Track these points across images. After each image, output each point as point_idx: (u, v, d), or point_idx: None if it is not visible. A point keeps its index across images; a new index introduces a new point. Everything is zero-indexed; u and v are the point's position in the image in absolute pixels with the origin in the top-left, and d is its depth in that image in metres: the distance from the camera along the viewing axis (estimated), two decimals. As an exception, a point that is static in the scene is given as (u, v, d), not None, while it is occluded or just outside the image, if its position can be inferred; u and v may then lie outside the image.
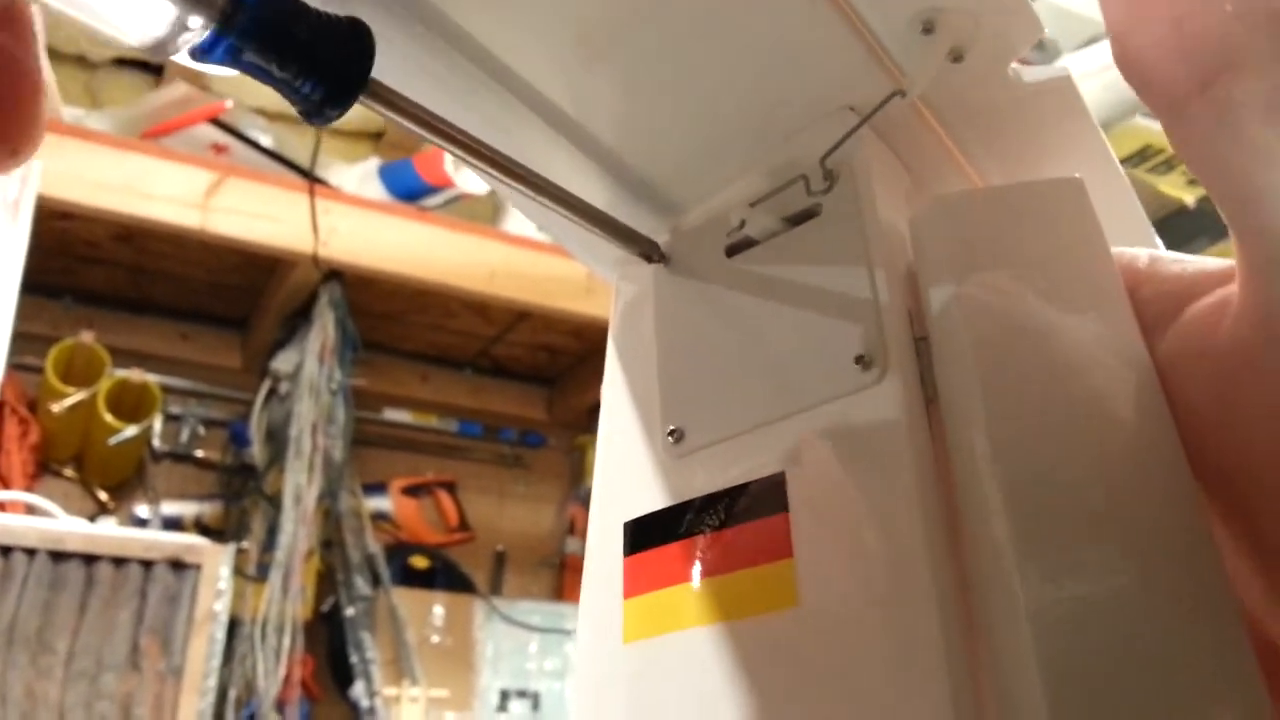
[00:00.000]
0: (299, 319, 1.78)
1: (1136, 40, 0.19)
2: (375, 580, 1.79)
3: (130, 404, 1.75)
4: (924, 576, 0.21)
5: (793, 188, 0.26)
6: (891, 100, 0.25)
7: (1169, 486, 0.20)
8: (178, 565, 1.32)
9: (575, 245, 0.31)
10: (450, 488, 2.11)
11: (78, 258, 1.75)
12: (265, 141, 1.79)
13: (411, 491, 2.04)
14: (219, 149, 1.74)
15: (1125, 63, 0.19)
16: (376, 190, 1.84)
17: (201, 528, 1.81)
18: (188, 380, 1.92)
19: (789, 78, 0.26)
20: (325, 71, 0.20)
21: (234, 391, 1.93)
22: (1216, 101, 0.18)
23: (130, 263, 1.78)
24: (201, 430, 1.91)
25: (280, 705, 1.53)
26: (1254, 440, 0.20)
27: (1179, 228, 1.55)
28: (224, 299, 1.92)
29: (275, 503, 1.67)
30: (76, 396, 1.67)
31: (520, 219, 1.70)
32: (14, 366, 1.60)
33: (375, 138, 2.02)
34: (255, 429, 1.75)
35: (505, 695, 1.88)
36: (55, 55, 1.80)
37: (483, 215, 1.85)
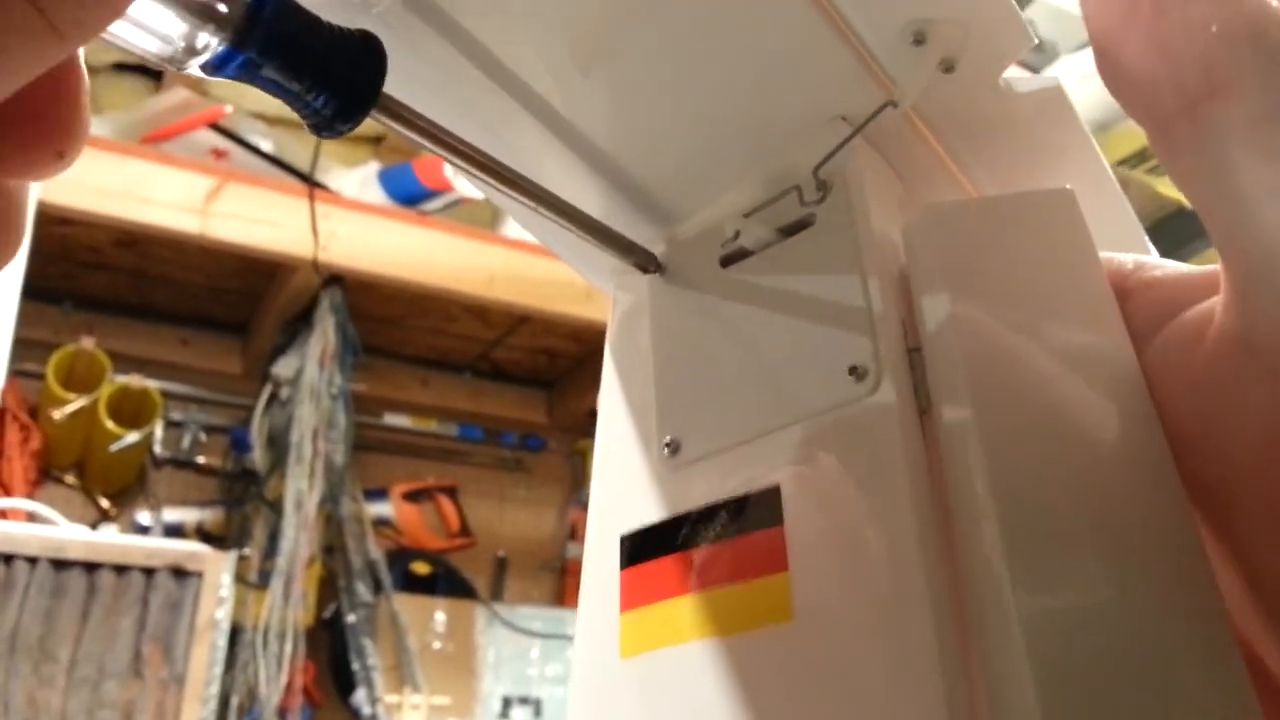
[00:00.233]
0: (299, 324, 1.78)
1: (1121, 60, 0.19)
2: (377, 586, 1.79)
3: (131, 410, 1.75)
4: (918, 588, 0.21)
5: (786, 198, 0.26)
6: (883, 111, 0.25)
7: (1160, 497, 0.20)
8: (179, 573, 1.32)
9: (572, 256, 0.31)
10: (451, 493, 2.11)
11: (78, 263, 1.75)
12: (265, 146, 1.79)
13: (413, 497, 2.04)
14: (219, 154, 1.74)
15: (1110, 81, 0.19)
16: (376, 194, 1.84)
17: (203, 534, 1.81)
18: (188, 386, 1.92)
19: (781, 88, 0.26)
20: (338, 86, 0.20)
21: (235, 397, 1.93)
22: (1201, 124, 0.18)
23: (131, 268, 1.78)
24: (202, 436, 1.91)
25: (282, 712, 1.53)
26: (1233, 453, 0.20)
27: (1177, 229, 1.55)
28: (224, 304, 1.92)
29: (277, 508, 1.67)
30: (78, 403, 1.67)
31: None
32: (15, 373, 1.60)
33: (375, 142, 2.02)
34: (256, 434, 1.75)
35: (507, 702, 1.88)
36: (55, 62, 1.79)
37: (482, 219, 1.85)
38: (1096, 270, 0.23)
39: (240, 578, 1.53)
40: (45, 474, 1.76)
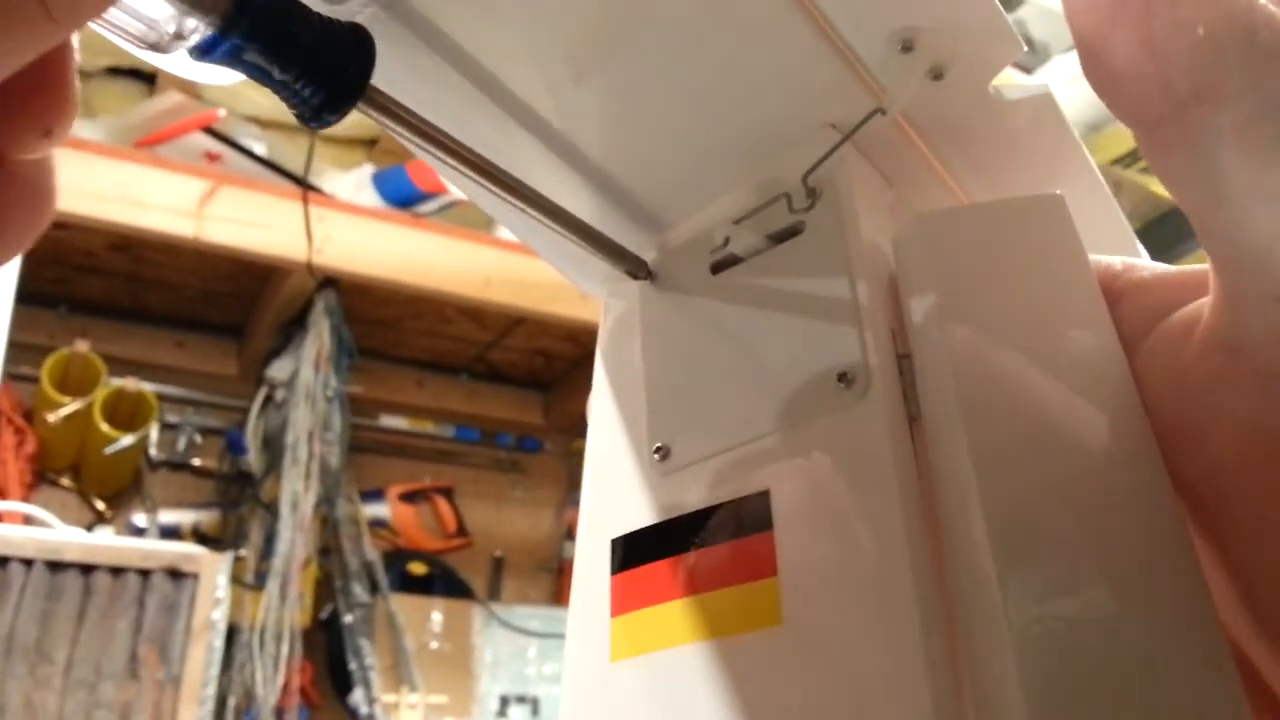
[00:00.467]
0: (294, 326, 1.78)
1: (1107, 60, 0.19)
2: (373, 587, 1.79)
3: (126, 413, 1.75)
4: (907, 595, 0.21)
5: (776, 205, 0.27)
6: (872, 118, 0.25)
7: (1151, 503, 0.20)
8: (175, 574, 1.32)
9: (563, 262, 0.32)
10: (448, 494, 2.11)
11: (73, 267, 1.75)
12: (259, 149, 1.79)
13: (409, 498, 2.04)
14: (212, 157, 1.74)
15: (1096, 82, 0.19)
16: (370, 197, 1.84)
17: (199, 536, 1.80)
18: (184, 389, 1.92)
19: (770, 96, 0.26)
20: (326, 75, 0.20)
21: (230, 399, 1.93)
22: (1189, 127, 0.18)
23: (125, 272, 1.78)
24: (198, 438, 1.91)
25: (279, 713, 1.53)
26: (1221, 455, 0.20)
27: (1170, 229, 1.56)
28: (219, 307, 1.92)
29: (272, 510, 1.66)
30: (72, 406, 1.67)
31: (515, 224, 1.69)
32: (10, 376, 1.60)
33: (369, 144, 2.02)
34: (252, 437, 1.75)
35: (505, 701, 1.88)
36: (48, 65, 1.79)
37: (477, 221, 1.85)
38: (1087, 275, 0.23)
39: (236, 579, 1.53)
40: (41, 477, 1.76)
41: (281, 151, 1.82)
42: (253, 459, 1.75)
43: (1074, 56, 1.64)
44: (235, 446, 1.86)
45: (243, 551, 1.70)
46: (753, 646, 0.22)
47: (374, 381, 2.03)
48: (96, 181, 1.53)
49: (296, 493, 1.64)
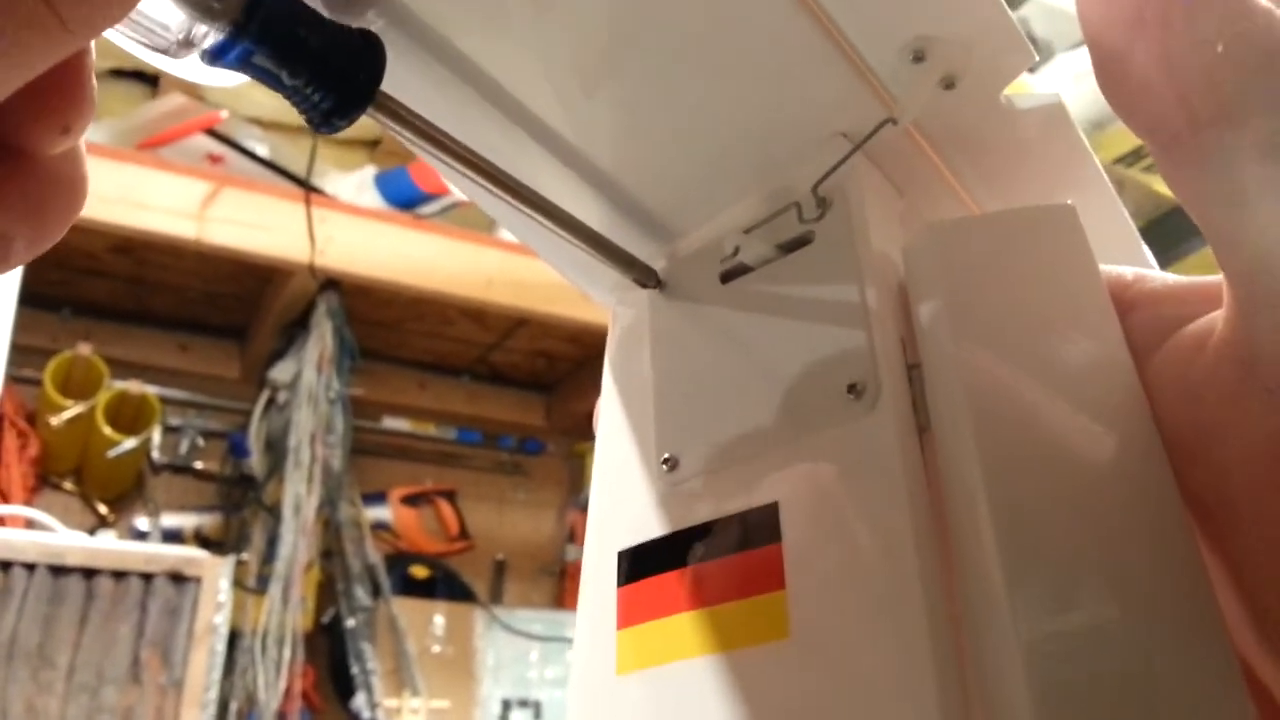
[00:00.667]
0: (297, 328, 1.78)
1: (1123, 74, 0.19)
2: (375, 590, 1.79)
3: (129, 416, 1.75)
4: (916, 607, 0.21)
5: (786, 215, 0.26)
6: (883, 127, 0.25)
7: (1161, 516, 0.20)
8: (178, 578, 1.32)
9: (572, 270, 0.31)
10: (450, 496, 2.11)
11: (75, 270, 1.75)
12: (261, 151, 1.79)
13: (411, 501, 2.04)
14: (215, 159, 1.74)
15: (1112, 96, 0.19)
16: (373, 198, 1.84)
17: (201, 539, 1.80)
18: (186, 391, 1.92)
19: (782, 105, 0.26)
20: (336, 80, 0.20)
21: (232, 402, 1.93)
22: (1206, 146, 0.18)
23: (128, 274, 1.78)
24: (200, 441, 1.91)
25: (281, 717, 1.53)
26: (1231, 470, 0.20)
27: (1173, 227, 1.55)
28: (222, 309, 1.92)
29: (275, 513, 1.66)
30: (75, 409, 1.67)
31: (517, 227, 1.70)
32: (12, 379, 1.60)
33: (371, 146, 2.02)
34: (254, 439, 1.75)
35: (507, 705, 1.88)
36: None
37: (479, 222, 1.85)
38: (1098, 286, 0.23)
39: (239, 583, 1.53)
40: (43, 480, 1.76)
41: (284, 153, 1.82)
42: (255, 462, 1.75)
43: (1077, 55, 1.64)
44: (238, 449, 1.86)
45: (245, 555, 1.70)
46: (760, 660, 0.22)
47: (376, 383, 2.03)
48: (99, 184, 1.52)
49: (299, 496, 1.64)
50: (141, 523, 1.82)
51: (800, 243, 0.26)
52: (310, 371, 1.71)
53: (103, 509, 1.81)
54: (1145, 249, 0.29)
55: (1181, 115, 0.18)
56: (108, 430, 1.69)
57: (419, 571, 1.97)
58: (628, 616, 0.25)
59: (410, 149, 0.24)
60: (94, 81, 0.18)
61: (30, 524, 1.40)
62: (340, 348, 1.75)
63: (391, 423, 2.10)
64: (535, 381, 2.27)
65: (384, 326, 1.96)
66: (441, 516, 2.08)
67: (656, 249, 0.30)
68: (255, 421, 1.75)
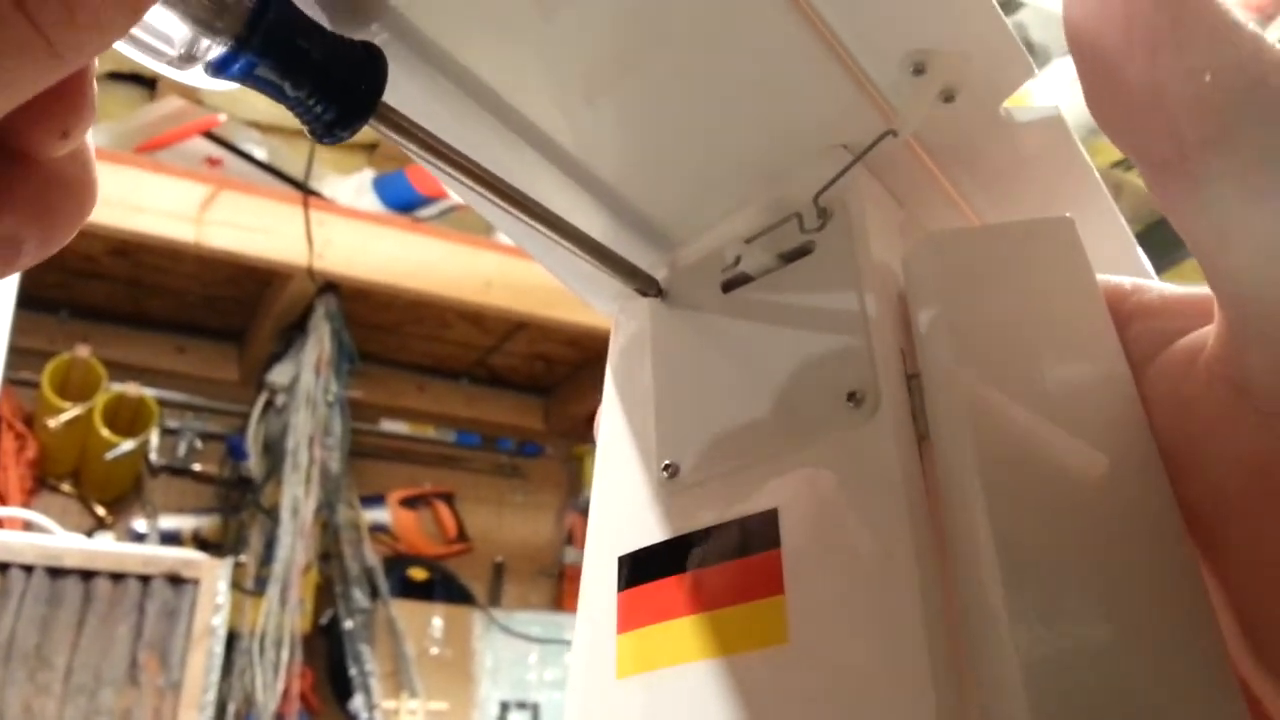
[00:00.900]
0: (295, 331, 1.78)
1: (1113, 102, 0.19)
2: (374, 592, 1.79)
3: (127, 418, 1.75)
4: (914, 615, 0.21)
5: (787, 225, 0.27)
6: (884, 139, 0.25)
7: (1159, 529, 0.20)
8: (176, 580, 1.32)
9: (574, 279, 0.32)
10: (448, 499, 2.11)
11: (73, 272, 1.75)
12: (259, 154, 1.79)
13: (409, 503, 2.04)
14: (213, 162, 1.74)
15: (1102, 120, 0.19)
16: (371, 202, 1.84)
17: (199, 541, 1.81)
18: (184, 394, 1.92)
19: (783, 116, 0.26)
20: (338, 92, 0.20)
21: (231, 405, 1.93)
22: (1194, 172, 0.18)
23: (126, 277, 1.78)
24: (198, 444, 1.91)
25: (279, 719, 1.53)
26: (1221, 487, 0.20)
27: (1170, 233, 1.55)
28: (220, 312, 1.92)
29: (273, 515, 1.66)
30: (73, 411, 1.67)
31: (515, 230, 1.70)
32: (11, 382, 1.60)
33: (369, 149, 2.02)
34: (252, 442, 1.75)
35: (505, 707, 1.88)
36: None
37: (477, 225, 1.85)
38: (1096, 299, 0.23)
39: (237, 585, 1.53)
40: (41, 482, 1.76)
41: (282, 156, 1.82)
42: (253, 464, 1.75)
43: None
44: (236, 452, 1.86)
45: (243, 557, 1.70)
46: (759, 665, 0.22)
47: (374, 386, 2.03)
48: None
49: (297, 498, 1.64)
50: (139, 525, 1.82)
51: (801, 252, 0.26)
52: (308, 374, 1.71)
53: (100, 511, 1.81)
54: (1144, 259, 0.29)
55: (1170, 141, 0.18)
56: (106, 432, 1.69)
57: (417, 574, 1.97)
58: (628, 621, 0.25)
59: (414, 159, 0.24)
60: (94, 86, 0.18)
61: (28, 526, 1.40)
62: (338, 350, 1.76)
63: (390, 425, 2.10)
64: (534, 384, 2.27)
65: (382, 329, 1.96)
66: (440, 519, 2.08)
67: (658, 258, 0.30)
68: (253, 424, 1.75)
